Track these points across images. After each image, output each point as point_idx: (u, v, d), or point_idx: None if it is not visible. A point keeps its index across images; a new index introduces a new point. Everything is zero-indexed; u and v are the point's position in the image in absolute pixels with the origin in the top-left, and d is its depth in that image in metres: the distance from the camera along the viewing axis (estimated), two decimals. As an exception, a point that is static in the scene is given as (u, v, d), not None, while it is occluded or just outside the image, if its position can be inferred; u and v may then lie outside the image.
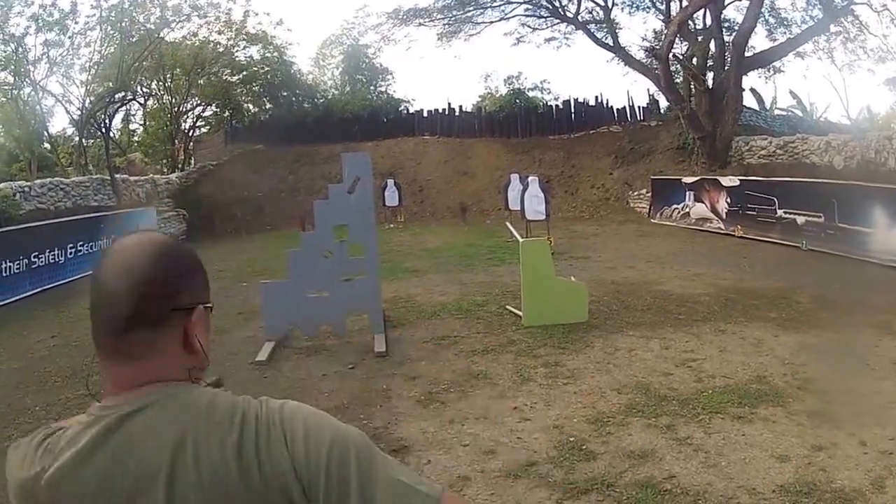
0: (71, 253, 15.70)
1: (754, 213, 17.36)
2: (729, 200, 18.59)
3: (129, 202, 21.75)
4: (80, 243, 16.11)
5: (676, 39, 23.28)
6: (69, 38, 23.45)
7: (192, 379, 1.29)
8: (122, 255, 1.27)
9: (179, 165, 30.95)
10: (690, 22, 24.27)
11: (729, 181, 18.77)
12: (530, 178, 17.37)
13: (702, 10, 23.56)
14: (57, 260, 15.17)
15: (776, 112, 31.15)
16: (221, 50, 30.41)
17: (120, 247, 1.29)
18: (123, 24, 23.45)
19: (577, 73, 66.54)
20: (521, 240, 10.27)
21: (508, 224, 14.11)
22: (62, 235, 15.57)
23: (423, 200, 27.36)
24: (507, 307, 10.32)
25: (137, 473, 1.16)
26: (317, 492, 1.18)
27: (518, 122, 31.16)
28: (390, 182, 25.03)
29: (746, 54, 22.89)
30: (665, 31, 24.22)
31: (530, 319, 9.33)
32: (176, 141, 31.19)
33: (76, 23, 23.46)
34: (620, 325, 9.19)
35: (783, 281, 11.84)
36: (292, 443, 1.20)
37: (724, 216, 18.85)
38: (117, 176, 22.41)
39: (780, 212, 16.39)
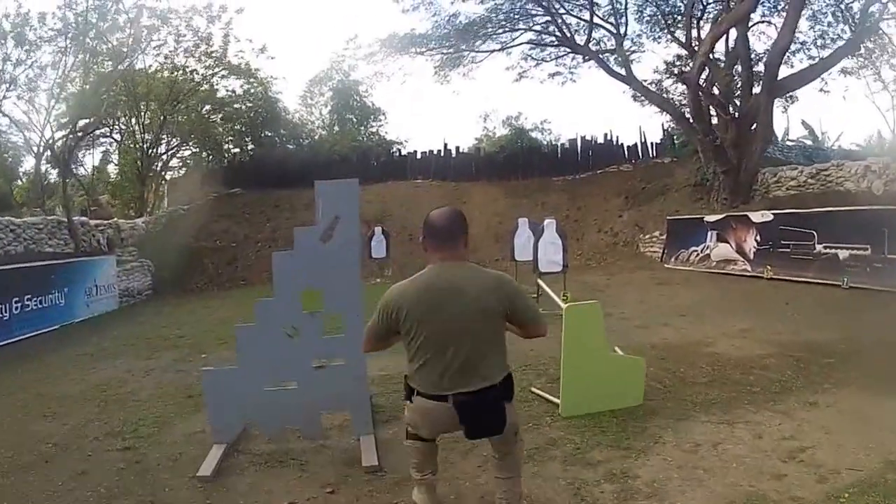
0: (17, 308, 13.64)
1: (788, 250, 15.54)
2: (759, 238, 16.68)
3: (87, 249, 19.79)
4: (28, 297, 14.05)
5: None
6: (25, 50, 21.55)
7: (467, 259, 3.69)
8: (442, 212, 3.67)
9: (149, 209, 29.11)
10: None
11: (761, 216, 16.88)
12: (546, 223, 15.14)
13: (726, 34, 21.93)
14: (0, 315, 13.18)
15: (787, 142, 30.40)
16: (199, 79, 28.60)
17: (439, 210, 3.69)
18: (89, 41, 21.52)
19: (582, 111, 65.12)
20: (563, 304, 7.52)
21: (541, 282, 11.50)
22: (6, 285, 13.51)
23: (414, 251, 25.20)
24: (533, 389, 7.80)
25: (446, 286, 3.51)
26: None
27: (519, 164, 29.58)
28: (378, 230, 22.89)
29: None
30: (696, 52, 22.53)
31: (572, 407, 6.76)
32: (146, 182, 29.34)
33: (34, 33, 21.53)
34: (686, 408, 6.75)
35: (843, 328, 10.11)
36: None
37: (751, 256, 16.94)
38: (76, 219, 20.35)
39: (819, 246, 14.60)
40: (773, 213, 16.71)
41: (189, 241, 24.94)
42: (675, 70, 26.61)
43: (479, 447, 5.47)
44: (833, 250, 14.22)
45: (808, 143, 30.63)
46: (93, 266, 17.56)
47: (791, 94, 25.26)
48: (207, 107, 31.10)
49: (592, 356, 6.85)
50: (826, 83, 25.67)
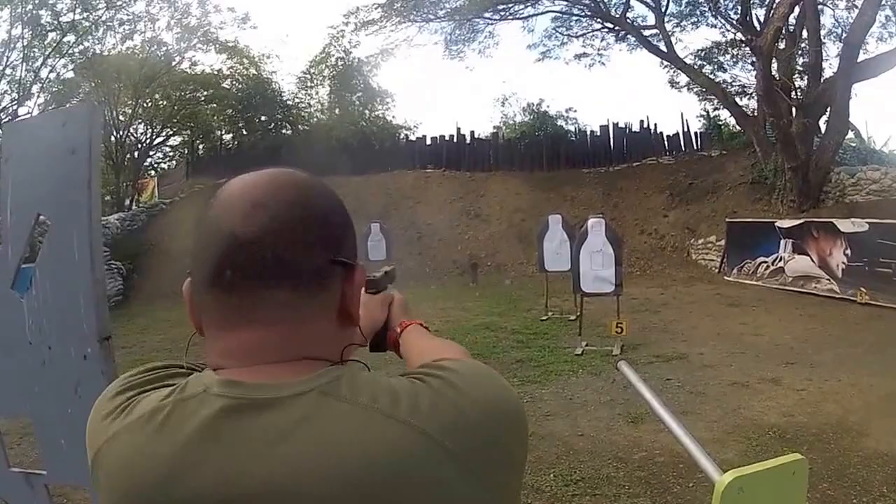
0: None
1: (890, 270, 13.58)
2: (849, 252, 14.71)
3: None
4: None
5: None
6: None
7: (342, 360, 1.13)
8: (255, 190, 1.08)
9: (128, 203, 27.62)
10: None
11: (851, 225, 14.87)
12: (591, 223, 12.20)
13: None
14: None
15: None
16: (170, 50, 27.50)
17: (244, 183, 1.11)
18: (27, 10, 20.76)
19: (612, 98, 62.83)
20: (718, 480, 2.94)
21: (626, 368, 3.44)
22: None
23: (422, 251, 23.51)
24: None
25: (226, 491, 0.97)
26: None
27: (543, 152, 27.62)
28: (375, 227, 20.50)
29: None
30: (771, 14, 20.51)
31: None
32: (120, 173, 27.94)
33: None
34: None
35: None
36: None
37: (839, 274, 14.97)
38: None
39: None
40: (867, 223, 14.70)
41: (167, 239, 23.11)
42: (736, 44, 24.81)
43: None
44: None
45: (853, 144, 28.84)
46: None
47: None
48: (190, 87, 29.75)
49: None
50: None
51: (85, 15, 24.28)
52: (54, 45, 23.91)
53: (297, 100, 34.12)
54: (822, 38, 20.90)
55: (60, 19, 23.30)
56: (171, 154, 33.93)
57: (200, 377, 1.05)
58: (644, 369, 9.49)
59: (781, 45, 20.59)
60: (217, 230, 1.04)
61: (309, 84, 34.38)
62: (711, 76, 25.27)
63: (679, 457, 6.08)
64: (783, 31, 20.25)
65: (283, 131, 32.25)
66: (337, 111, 32.99)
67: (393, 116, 34.16)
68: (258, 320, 1.04)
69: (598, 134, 28.34)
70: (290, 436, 0.97)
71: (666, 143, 27.25)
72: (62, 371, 2.96)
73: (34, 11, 22.38)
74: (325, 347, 1.09)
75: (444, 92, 62.46)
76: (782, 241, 16.91)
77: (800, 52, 21.22)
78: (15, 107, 23.14)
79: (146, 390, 1.09)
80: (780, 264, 16.90)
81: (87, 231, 2.88)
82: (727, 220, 19.88)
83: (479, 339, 12.78)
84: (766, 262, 17.41)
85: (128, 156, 29.05)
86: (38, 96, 24.71)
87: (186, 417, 0.99)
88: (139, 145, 30.39)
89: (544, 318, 14.27)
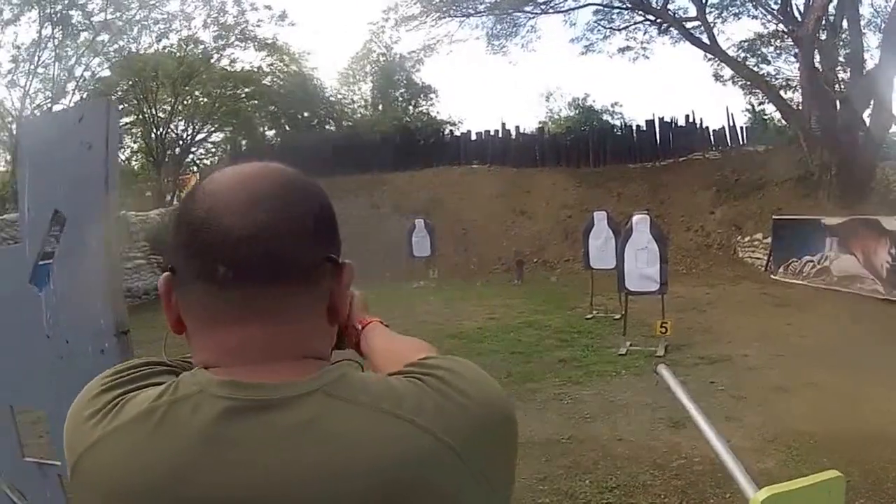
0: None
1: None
2: (894, 251, 14.87)
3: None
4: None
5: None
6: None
7: (328, 359, 1.12)
8: (247, 184, 1.05)
9: (169, 199, 28.19)
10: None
11: (896, 223, 14.99)
12: (636, 220, 12.22)
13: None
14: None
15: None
16: (208, 48, 27.88)
17: (235, 177, 1.06)
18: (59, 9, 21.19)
19: (656, 93, 62.67)
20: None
21: (665, 371, 3.94)
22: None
23: (468, 248, 23.85)
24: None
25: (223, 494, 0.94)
26: None
27: (589, 147, 27.87)
28: (419, 223, 21.05)
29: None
30: (811, 3, 20.42)
31: None
32: (161, 169, 28.46)
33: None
34: None
35: None
36: None
37: (883, 274, 15.12)
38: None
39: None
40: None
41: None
42: (778, 35, 24.68)
43: None
44: None
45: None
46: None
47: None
48: (230, 84, 30.16)
49: None
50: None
51: (118, 15, 24.71)
52: (87, 44, 24.49)
53: (339, 96, 34.61)
54: (861, 28, 20.79)
55: (92, 19, 23.85)
56: (213, 150, 34.30)
57: (194, 376, 1.03)
58: (688, 371, 9.65)
59: (823, 36, 20.51)
60: (208, 224, 1.02)
61: (351, 80, 34.88)
62: (755, 69, 25.26)
63: (717, 466, 5.62)
64: (824, 22, 20.16)
65: (327, 127, 32.70)
66: (380, 107, 33.46)
67: (437, 112, 34.50)
68: (255, 317, 1.03)
69: (644, 129, 28.53)
70: (299, 437, 0.96)
71: (712, 137, 27.36)
72: (79, 365, 2.94)
73: (64, 12, 22.76)
74: (322, 345, 1.12)
75: (488, 87, 62.42)
76: (828, 240, 16.94)
77: (841, 43, 21.12)
78: (49, 104, 23.77)
79: (133, 390, 1.06)
80: (826, 263, 16.97)
81: (104, 226, 2.90)
82: (774, 217, 19.88)
83: (521, 338, 12.95)
84: (812, 260, 17.50)
85: (168, 152, 29.70)
86: (74, 94, 25.31)
87: (184, 419, 0.97)
88: (180, 142, 30.98)
89: (589, 316, 14.33)
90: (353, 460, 0.94)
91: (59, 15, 22.51)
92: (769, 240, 19.79)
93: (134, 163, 31.04)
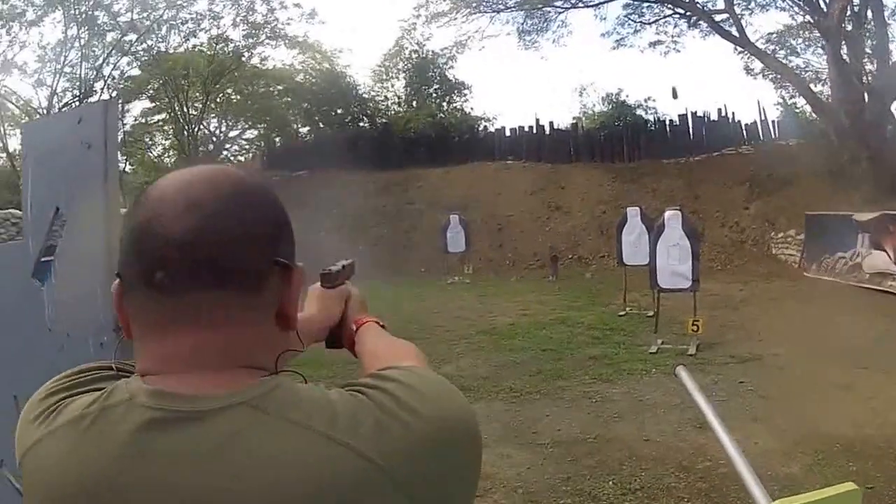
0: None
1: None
2: (924, 249, 15.06)
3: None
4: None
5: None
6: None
7: (277, 368, 1.06)
8: (189, 188, 1.02)
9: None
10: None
11: (927, 219, 15.25)
12: (667, 216, 12.19)
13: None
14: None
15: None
16: (238, 46, 28.26)
17: (179, 180, 1.04)
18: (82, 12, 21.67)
19: (688, 87, 62.50)
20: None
21: (684, 373, 3.92)
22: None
23: (503, 243, 24.28)
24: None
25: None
26: None
27: (623, 143, 28.18)
28: (454, 219, 21.43)
29: None
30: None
31: None
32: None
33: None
34: None
35: None
36: None
37: (914, 271, 15.34)
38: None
39: None
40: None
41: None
42: (806, 26, 24.86)
43: None
44: None
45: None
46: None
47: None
48: (263, 82, 30.48)
49: None
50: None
51: (145, 14, 25.23)
52: (115, 43, 25.01)
53: (372, 93, 35.09)
54: (885, 18, 20.96)
55: (119, 19, 24.38)
56: (247, 147, 34.82)
57: (128, 384, 1.01)
58: (718, 370, 9.82)
59: (849, 27, 20.59)
60: (149, 229, 1.00)
61: (384, 77, 35.30)
62: (785, 61, 25.50)
63: (741, 471, 6.17)
64: (849, 12, 20.25)
65: (360, 124, 33.00)
66: (414, 103, 33.83)
67: (471, 108, 34.85)
68: (193, 324, 1.00)
69: (678, 123, 28.73)
70: (219, 452, 0.92)
71: (744, 131, 27.50)
72: (79, 358, 2.78)
73: (89, 12, 23.14)
74: (264, 354, 1.06)
75: (521, 83, 62.45)
76: (860, 236, 17.02)
77: (867, 34, 21.17)
78: (77, 103, 24.04)
79: (73, 394, 1.05)
80: (858, 260, 17.09)
81: (104, 223, 2.95)
82: (806, 213, 19.98)
83: (553, 335, 13.05)
84: (844, 257, 17.65)
85: (201, 149, 30.17)
86: (102, 93, 25.88)
87: (111, 427, 0.96)
88: (213, 139, 31.55)
89: (622, 313, 14.48)
90: (272, 481, 0.91)
91: (84, 16, 22.79)
92: (802, 236, 19.94)
93: (167, 159, 31.47)
